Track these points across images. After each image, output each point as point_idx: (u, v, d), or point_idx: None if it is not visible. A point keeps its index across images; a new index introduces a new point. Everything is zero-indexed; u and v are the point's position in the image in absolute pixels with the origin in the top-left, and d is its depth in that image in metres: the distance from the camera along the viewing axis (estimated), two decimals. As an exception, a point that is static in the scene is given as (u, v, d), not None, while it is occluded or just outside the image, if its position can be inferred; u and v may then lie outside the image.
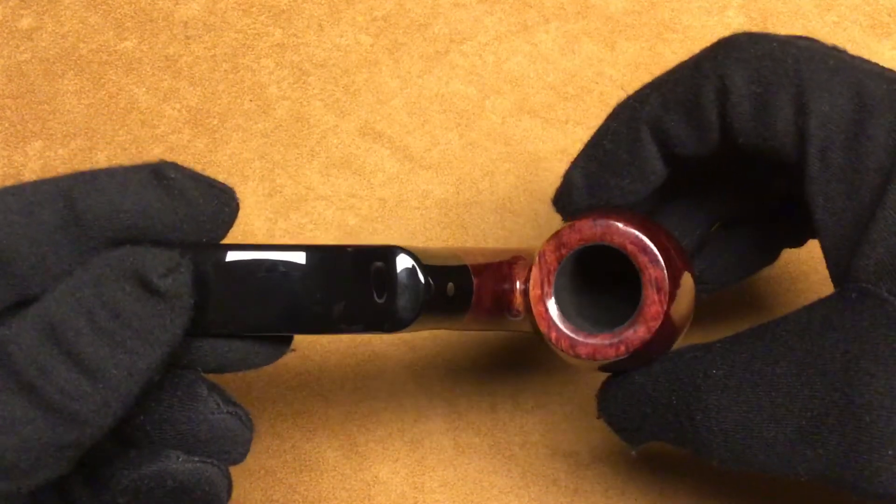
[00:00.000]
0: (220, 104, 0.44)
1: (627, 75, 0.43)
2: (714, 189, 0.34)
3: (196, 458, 0.28)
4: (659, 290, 0.29)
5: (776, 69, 0.28)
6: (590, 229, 0.30)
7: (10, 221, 0.26)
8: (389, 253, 0.28)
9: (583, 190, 0.31)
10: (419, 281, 0.28)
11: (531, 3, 0.45)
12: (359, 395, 0.40)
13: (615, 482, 0.38)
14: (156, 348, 0.25)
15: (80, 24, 0.46)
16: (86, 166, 0.44)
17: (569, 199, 0.32)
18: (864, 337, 0.26)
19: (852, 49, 0.42)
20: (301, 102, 0.44)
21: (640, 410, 0.30)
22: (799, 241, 0.35)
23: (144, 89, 0.45)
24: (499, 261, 0.32)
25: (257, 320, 0.27)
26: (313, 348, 0.41)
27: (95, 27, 0.46)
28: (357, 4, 0.45)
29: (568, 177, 0.32)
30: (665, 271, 0.29)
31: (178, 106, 0.44)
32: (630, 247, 0.29)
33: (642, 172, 0.30)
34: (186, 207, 0.27)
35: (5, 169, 0.44)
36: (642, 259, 0.29)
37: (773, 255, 0.35)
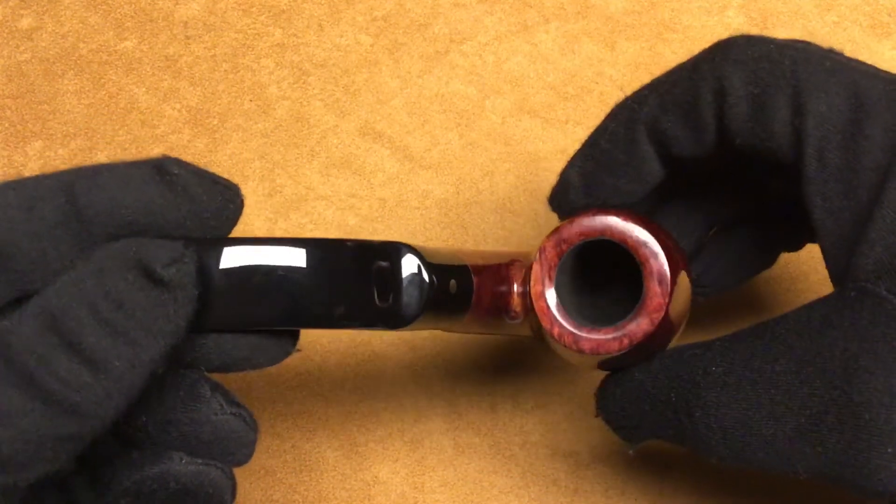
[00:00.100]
0: (220, 104, 0.44)
1: (627, 75, 0.43)
2: (712, 191, 0.34)
3: (199, 460, 0.27)
4: (660, 282, 0.29)
5: (773, 70, 0.28)
6: (590, 224, 0.30)
7: (11, 216, 0.25)
8: (394, 252, 0.28)
9: (579, 189, 0.31)
10: (423, 279, 0.28)
11: (531, 3, 0.45)
12: (359, 395, 0.40)
13: (615, 482, 0.38)
14: (159, 340, 0.24)
15: (80, 24, 0.46)
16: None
17: (565, 198, 0.32)
18: (863, 335, 0.26)
19: (852, 49, 0.43)
20: (301, 102, 0.44)
21: (640, 408, 0.30)
22: (797, 245, 0.35)
23: (144, 89, 0.45)
24: (496, 263, 0.32)
25: (259, 316, 0.27)
26: (313, 348, 0.41)
27: (95, 27, 0.46)
28: (357, 4, 0.45)
29: (564, 175, 0.32)
30: (666, 263, 0.29)
31: (178, 106, 0.44)
32: (631, 240, 0.30)
33: (639, 173, 0.30)
34: (189, 204, 0.27)
35: (5, 169, 0.44)
36: (643, 252, 0.29)
37: (770, 259, 0.35)
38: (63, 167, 0.44)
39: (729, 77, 0.29)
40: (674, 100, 0.30)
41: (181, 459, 0.27)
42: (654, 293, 0.29)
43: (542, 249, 0.31)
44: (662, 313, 0.29)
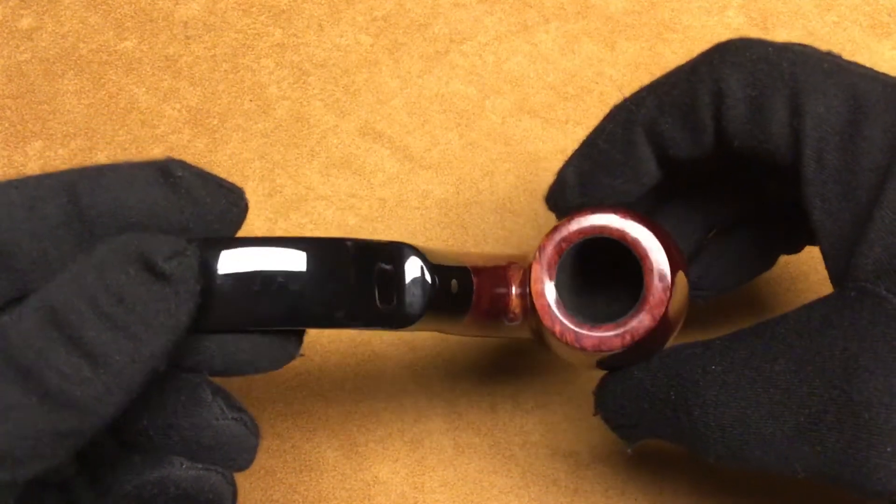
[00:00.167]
0: (220, 104, 0.44)
1: (627, 75, 0.43)
2: (711, 193, 0.34)
3: (200, 465, 0.27)
4: (661, 277, 0.29)
5: (771, 72, 0.28)
6: (589, 222, 0.30)
7: (13, 215, 0.25)
8: (397, 252, 0.28)
9: (575, 188, 0.31)
10: (426, 279, 0.28)
11: (531, 3, 0.45)
12: (359, 395, 0.40)
13: (615, 482, 0.38)
14: (160, 335, 0.24)
15: (80, 24, 0.46)
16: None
17: (561, 197, 0.32)
18: (863, 335, 0.26)
19: (852, 49, 0.43)
20: (301, 102, 0.44)
21: (638, 406, 0.30)
22: (795, 248, 0.35)
23: (144, 89, 0.45)
24: (494, 265, 0.32)
25: (260, 317, 0.27)
26: (313, 348, 0.41)
27: (95, 27, 0.46)
28: (357, 4, 0.45)
29: (561, 174, 0.32)
30: (666, 258, 0.29)
31: (178, 106, 0.44)
32: (630, 237, 0.30)
33: (636, 173, 0.31)
34: (193, 206, 0.26)
35: (5, 169, 0.44)
36: (642, 248, 0.30)
37: (769, 262, 0.35)
38: (63, 167, 0.44)
39: (727, 79, 0.29)
40: (672, 101, 0.30)
41: (182, 464, 0.27)
42: (655, 288, 0.29)
43: (541, 248, 0.31)
44: (664, 308, 0.29)
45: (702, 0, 0.44)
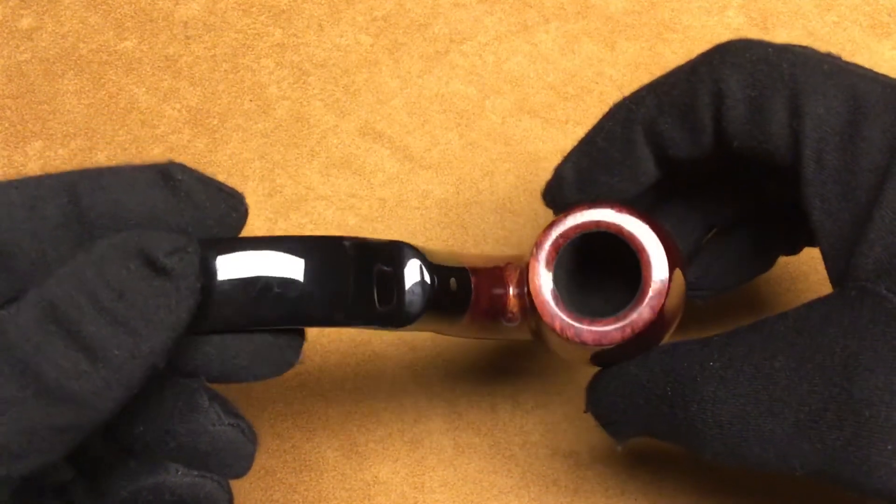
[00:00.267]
0: (220, 104, 0.44)
1: (627, 75, 0.43)
2: (710, 193, 0.34)
3: (195, 472, 0.27)
4: (659, 269, 0.29)
5: (771, 73, 0.28)
6: (585, 217, 0.30)
7: (13, 215, 0.25)
8: (396, 251, 0.28)
9: (573, 185, 0.31)
10: (425, 278, 0.28)
11: (531, 3, 0.45)
12: (359, 395, 0.40)
13: (615, 482, 0.38)
14: (160, 331, 0.23)
15: (80, 24, 0.46)
16: (86, 166, 0.44)
17: (559, 193, 0.32)
18: (863, 333, 0.26)
19: (852, 49, 0.43)
20: (301, 102, 0.44)
21: (633, 402, 0.30)
22: (794, 249, 0.35)
23: (144, 89, 0.45)
24: (492, 265, 0.32)
25: (258, 319, 0.27)
26: (313, 348, 0.41)
27: (95, 27, 0.46)
28: (357, 4, 0.45)
29: (559, 171, 0.32)
30: (663, 251, 0.29)
31: (178, 106, 0.44)
32: (626, 230, 0.30)
33: (633, 172, 0.31)
34: (193, 210, 0.26)
35: (5, 169, 0.44)
36: (639, 241, 0.30)
37: (768, 263, 0.35)
38: (63, 167, 0.44)
39: (727, 80, 0.29)
40: (671, 101, 0.30)
41: (177, 471, 0.27)
42: (654, 281, 0.29)
43: (537, 244, 0.31)
44: (662, 300, 0.29)
45: (702, 0, 0.44)
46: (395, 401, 0.40)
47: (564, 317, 0.30)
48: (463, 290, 0.30)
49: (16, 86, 0.45)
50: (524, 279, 0.31)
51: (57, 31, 0.46)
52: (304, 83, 0.44)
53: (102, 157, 0.44)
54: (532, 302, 0.30)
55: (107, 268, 0.23)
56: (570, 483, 0.38)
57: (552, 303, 0.30)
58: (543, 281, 0.30)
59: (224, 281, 0.26)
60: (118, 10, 0.46)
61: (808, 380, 0.27)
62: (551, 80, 0.43)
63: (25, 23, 0.46)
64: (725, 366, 0.28)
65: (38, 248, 0.25)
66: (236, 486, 0.30)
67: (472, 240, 0.42)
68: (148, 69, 0.45)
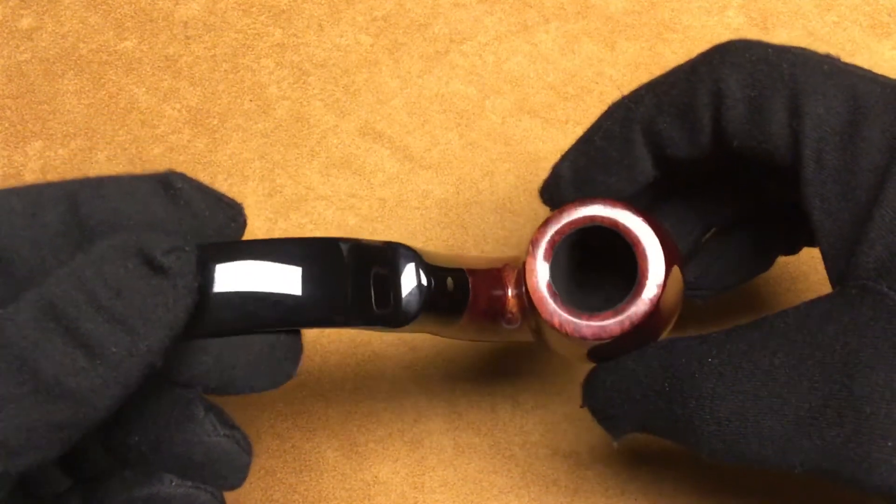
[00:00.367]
0: (220, 104, 0.44)
1: (627, 75, 0.43)
2: (709, 193, 0.34)
3: (189, 483, 0.27)
4: (655, 261, 0.29)
5: (771, 73, 0.28)
6: (579, 212, 0.30)
7: (13, 222, 0.25)
8: (392, 253, 0.28)
9: (570, 183, 0.31)
10: (422, 279, 0.28)
11: (531, 3, 0.45)
12: (359, 395, 0.40)
13: (615, 482, 0.38)
14: (158, 329, 0.23)
15: (80, 24, 0.46)
16: (86, 166, 0.44)
17: (556, 192, 0.32)
18: (863, 330, 0.26)
19: (852, 49, 0.43)
20: (301, 102, 0.44)
21: (630, 397, 0.30)
22: (793, 249, 0.35)
23: (144, 89, 0.45)
24: (490, 266, 0.32)
25: (256, 324, 0.27)
26: (313, 348, 0.41)
27: (95, 27, 0.46)
28: (357, 4, 0.45)
29: (556, 169, 0.32)
30: (658, 242, 0.29)
31: (178, 106, 0.44)
32: (621, 224, 0.30)
33: (631, 172, 0.31)
34: (192, 219, 0.26)
35: (5, 169, 0.44)
36: (634, 234, 0.30)
37: (767, 263, 0.35)
38: (63, 167, 0.44)
39: (726, 80, 0.29)
40: (670, 101, 0.30)
41: (171, 482, 0.27)
42: (650, 272, 0.29)
43: (533, 242, 0.31)
44: (660, 292, 0.29)
45: (702, 0, 0.44)
46: (395, 401, 0.40)
47: (562, 312, 0.30)
48: (460, 291, 0.30)
49: (16, 86, 0.45)
50: (522, 279, 0.31)
51: (57, 31, 0.46)
52: (304, 83, 0.44)
53: (102, 157, 0.44)
54: (530, 299, 0.30)
55: (105, 267, 0.23)
56: (570, 483, 0.38)
57: (550, 299, 0.30)
58: (540, 277, 0.30)
59: (220, 296, 0.26)
60: (118, 10, 0.46)
61: (809, 377, 0.27)
62: (551, 80, 0.43)
63: (25, 23, 0.46)
64: (724, 362, 0.28)
65: (38, 255, 0.25)
66: (236, 485, 0.30)
67: (472, 240, 0.42)
68: (148, 69, 0.45)
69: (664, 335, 0.31)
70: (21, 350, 0.23)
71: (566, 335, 0.30)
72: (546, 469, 0.39)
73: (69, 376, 0.23)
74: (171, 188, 0.26)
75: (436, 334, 0.32)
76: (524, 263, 0.31)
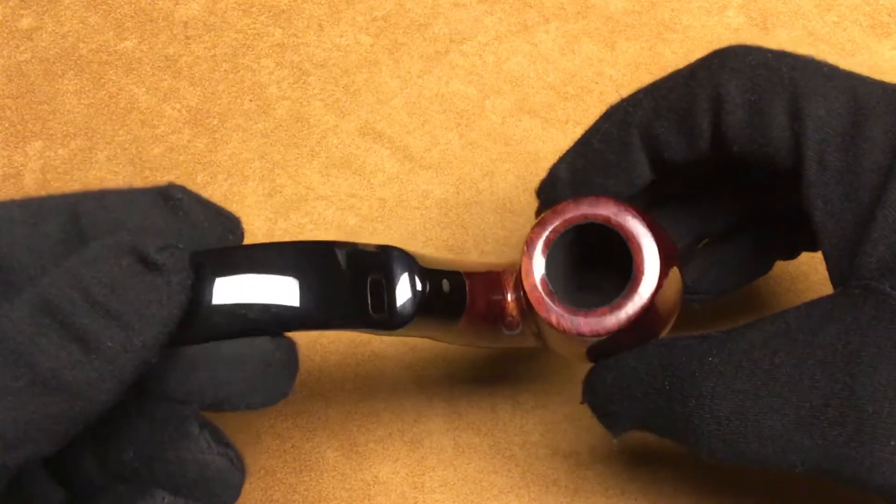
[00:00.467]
0: (220, 104, 0.44)
1: (627, 75, 0.43)
2: (708, 197, 0.34)
3: (182, 500, 0.27)
4: (649, 255, 0.29)
5: (771, 77, 0.28)
6: (574, 210, 0.30)
7: (13, 231, 0.26)
8: (386, 257, 0.28)
9: (566, 185, 0.32)
10: (416, 282, 0.28)
11: (531, 3, 0.45)
12: (359, 395, 0.40)
13: (615, 482, 0.38)
14: (152, 325, 0.24)
15: (80, 24, 0.46)
16: (86, 166, 0.44)
17: (552, 192, 0.32)
18: (866, 330, 0.26)
19: (852, 49, 0.43)
20: (301, 102, 0.44)
21: (630, 394, 0.30)
22: (792, 253, 0.35)
23: (144, 89, 0.45)
24: (488, 270, 0.32)
25: (252, 328, 0.27)
26: (313, 348, 0.41)
27: (95, 27, 0.46)
28: (357, 4, 0.45)
29: (554, 170, 0.32)
30: (652, 237, 0.29)
31: (178, 106, 0.44)
32: (614, 219, 0.30)
33: (628, 175, 0.31)
34: (191, 229, 0.27)
35: (5, 169, 0.44)
36: (629, 230, 0.30)
37: (766, 267, 0.35)
38: (63, 167, 0.44)
39: (726, 84, 0.29)
40: (669, 105, 0.30)
41: (164, 498, 0.27)
42: (646, 266, 0.29)
43: (529, 241, 0.31)
44: (656, 285, 0.29)
45: (702, 0, 0.44)
46: (395, 401, 0.40)
47: (559, 310, 0.30)
48: (457, 294, 0.30)
49: (16, 86, 0.45)
50: (520, 279, 0.31)
51: (57, 31, 0.46)
52: (304, 83, 0.44)
53: (102, 157, 0.44)
54: (527, 299, 0.30)
55: (99, 265, 0.24)
56: (570, 483, 0.38)
57: (546, 297, 0.30)
58: (537, 275, 0.31)
59: (219, 304, 0.26)
60: (118, 10, 0.46)
61: (810, 376, 0.27)
62: (551, 80, 0.43)
63: (25, 23, 0.46)
64: (724, 361, 0.28)
65: (38, 263, 0.26)
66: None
67: (472, 240, 0.42)
68: (148, 69, 0.45)
69: (663, 335, 0.31)
70: (17, 345, 0.23)
71: (564, 332, 0.30)
72: (546, 469, 0.39)
73: (65, 369, 0.23)
74: (171, 199, 0.27)
75: (436, 339, 0.32)
76: (519, 270, 0.31)
